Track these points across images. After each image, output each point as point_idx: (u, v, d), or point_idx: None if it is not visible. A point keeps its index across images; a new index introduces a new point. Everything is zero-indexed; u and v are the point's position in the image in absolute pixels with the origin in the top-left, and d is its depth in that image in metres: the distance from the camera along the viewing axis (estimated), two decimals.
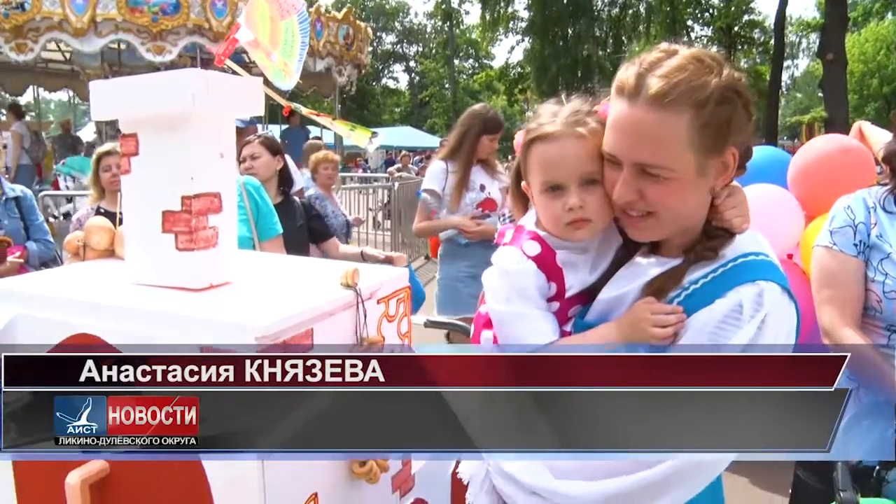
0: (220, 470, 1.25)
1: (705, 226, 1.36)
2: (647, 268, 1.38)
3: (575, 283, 1.41)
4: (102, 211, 3.57)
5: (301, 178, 5.80)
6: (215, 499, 1.26)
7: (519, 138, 1.49)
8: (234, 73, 1.57)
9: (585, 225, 1.38)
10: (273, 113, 9.95)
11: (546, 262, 1.39)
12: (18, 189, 4.12)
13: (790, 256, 3.75)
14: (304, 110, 1.79)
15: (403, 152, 19.14)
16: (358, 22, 12.20)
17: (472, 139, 4.02)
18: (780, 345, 1.27)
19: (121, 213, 1.58)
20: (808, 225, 3.63)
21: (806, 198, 3.64)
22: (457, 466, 1.55)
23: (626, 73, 1.29)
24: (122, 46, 9.80)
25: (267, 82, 1.60)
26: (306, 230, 3.94)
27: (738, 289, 1.27)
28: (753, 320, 1.24)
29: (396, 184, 11.88)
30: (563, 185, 1.36)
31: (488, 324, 1.49)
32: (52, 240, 4.14)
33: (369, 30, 13.12)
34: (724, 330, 1.25)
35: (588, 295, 1.45)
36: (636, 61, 1.30)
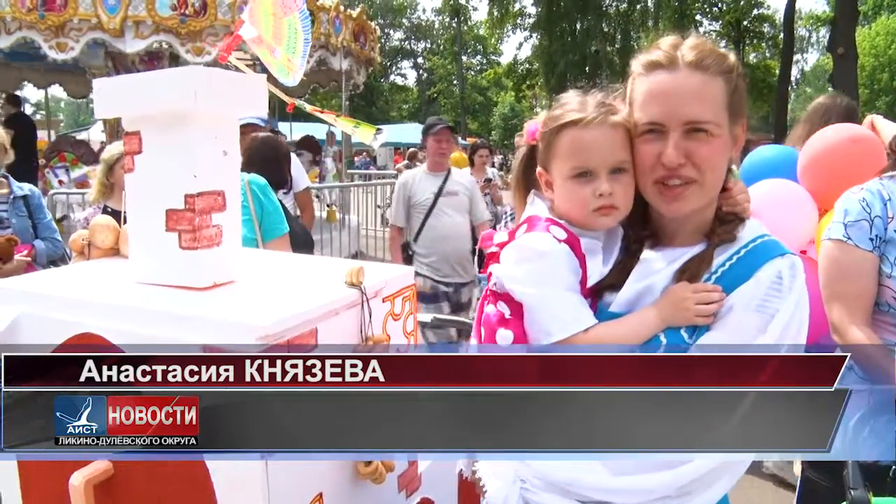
0: (223, 471, 1.24)
1: (717, 212, 1.40)
2: (667, 258, 1.40)
3: (594, 272, 1.40)
4: (109, 210, 3.57)
5: (306, 178, 5.73)
6: (219, 500, 1.25)
7: (531, 127, 1.48)
8: (238, 70, 1.56)
9: (612, 212, 1.39)
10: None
11: (574, 247, 1.39)
12: (27, 188, 4.12)
13: (804, 252, 3.69)
14: (308, 107, 1.77)
15: (411, 149, 19.11)
16: (364, 18, 12.22)
17: None
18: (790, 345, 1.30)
19: (125, 212, 1.57)
20: (822, 219, 3.56)
21: (817, 190, 3.57)
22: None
23: (652, 55, 1.37)
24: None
25: (271, 79, 1.58)
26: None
27: (773, 262, 1.33)
28: (794, 290, 1.31)
29: None
30: (594, 171, 1.37)
31: (502, 321, 1.43)
32: (60, 238, 4.14)
33: (375, 27, 13.13)
34: (770, 301, 1.30)
35: (594, 290, 1.43)
36: (656, 45, 1.39)
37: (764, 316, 1.30)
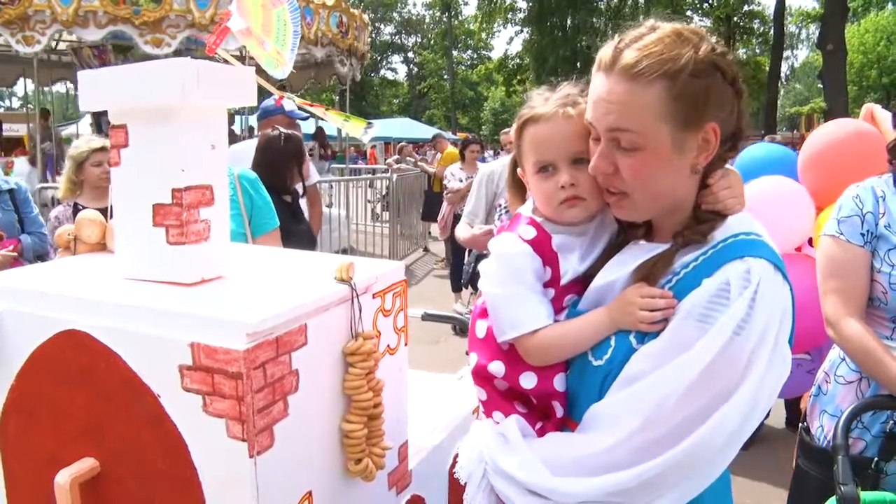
0: (211, 468, 1.22)
1: (695, 209, 1.33)
2: (639, 254, 1.35)
3: (569, 269, 1.40)
4: (80, 207, 3.50)
5: (315, 172, 5.43)
6: (207, 498, 1.23)
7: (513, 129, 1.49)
8: (226, 62, 1.54)
9: (579, 203, 1.38)
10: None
11: (541, 246, 1.39)
12: (13, 181, 4.08)
13: (799, 249, 3.68)
14: (298, 100, 1.76)
15: (402, 143, 19.11)
16: (352, 10, 12.04)
17: None
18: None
19: (111, 206, 1.54)
20: (819, 216, 3.54)
21: (818, 188, 3.55)
22: (454, 464, 1.52)
23: (605, 50, 1.30)
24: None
25: (260, 71, 1.56)
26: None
27: (725, 267, 1.22)
28: (742, 298, 1.18)
29: (395, 175, 11.84)
30: (554, 163, 1.38)
31: (483, 314, 1.47)
32: (46, 232, 4.10)
33: (366, 18, 13.00)
34: (713, 311, 1.20)
35: (583, 284, 1.43)
36: (618, 38, 1.30)
37: (702, 327, 1.20)
